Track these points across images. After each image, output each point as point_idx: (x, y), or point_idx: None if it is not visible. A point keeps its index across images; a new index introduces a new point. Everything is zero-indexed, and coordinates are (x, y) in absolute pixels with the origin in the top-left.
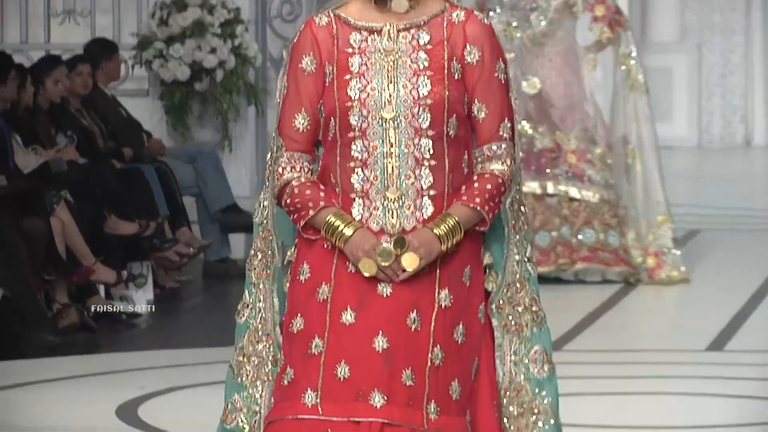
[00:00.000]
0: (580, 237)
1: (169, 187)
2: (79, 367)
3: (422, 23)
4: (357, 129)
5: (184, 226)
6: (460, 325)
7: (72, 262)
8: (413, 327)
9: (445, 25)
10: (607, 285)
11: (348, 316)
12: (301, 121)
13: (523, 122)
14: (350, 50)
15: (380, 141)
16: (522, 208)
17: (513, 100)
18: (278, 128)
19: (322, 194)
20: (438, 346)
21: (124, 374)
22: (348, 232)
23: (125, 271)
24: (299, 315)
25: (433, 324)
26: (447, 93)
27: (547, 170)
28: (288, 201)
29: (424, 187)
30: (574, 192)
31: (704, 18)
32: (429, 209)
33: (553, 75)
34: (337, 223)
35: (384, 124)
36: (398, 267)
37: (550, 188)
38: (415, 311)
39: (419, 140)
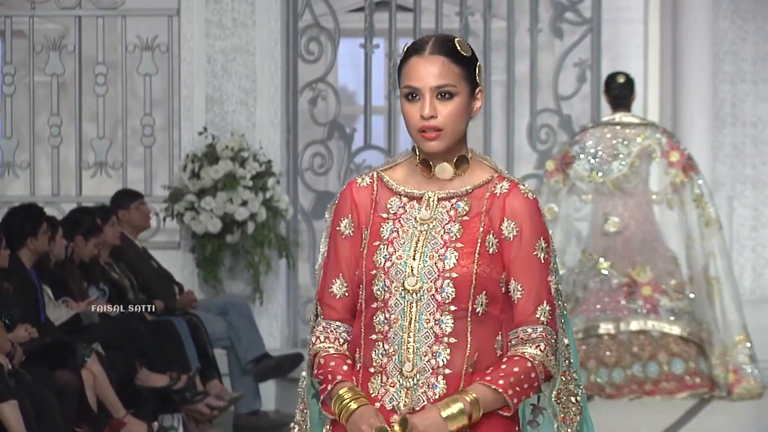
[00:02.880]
0: (646, 371)
1: (200, 340)
2: None
3: (464, 193)
4: (380, 299)
5: (215, 378)
6: None
7: (103, 414)
8: None
9: (487, 196)
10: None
11: None
12: (338, 288)
13: (601, 259)
14: (385, 215)
15: (401, 313)
16: (574, 398)
17: (553, 283)
18: (317, 294)
19: (344, 368)
20: None
21: None
22: (353, 406)
23: (156, 422)
24: None
25: None
26: (476, 268)
27: (623, 304)
28: (315, 372)
29: (440, 365)
30: (645, 326)
31: (735, 171)
32: (441, 389)
33: (626, 215)
34: (346, 397)
35: (406, 296)
36: None
37: (623, 326)
38: None
39: (441, 315)
